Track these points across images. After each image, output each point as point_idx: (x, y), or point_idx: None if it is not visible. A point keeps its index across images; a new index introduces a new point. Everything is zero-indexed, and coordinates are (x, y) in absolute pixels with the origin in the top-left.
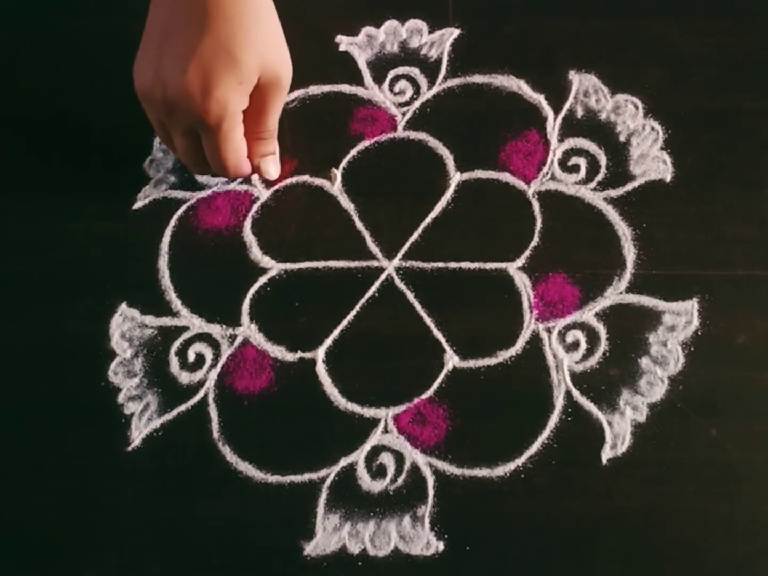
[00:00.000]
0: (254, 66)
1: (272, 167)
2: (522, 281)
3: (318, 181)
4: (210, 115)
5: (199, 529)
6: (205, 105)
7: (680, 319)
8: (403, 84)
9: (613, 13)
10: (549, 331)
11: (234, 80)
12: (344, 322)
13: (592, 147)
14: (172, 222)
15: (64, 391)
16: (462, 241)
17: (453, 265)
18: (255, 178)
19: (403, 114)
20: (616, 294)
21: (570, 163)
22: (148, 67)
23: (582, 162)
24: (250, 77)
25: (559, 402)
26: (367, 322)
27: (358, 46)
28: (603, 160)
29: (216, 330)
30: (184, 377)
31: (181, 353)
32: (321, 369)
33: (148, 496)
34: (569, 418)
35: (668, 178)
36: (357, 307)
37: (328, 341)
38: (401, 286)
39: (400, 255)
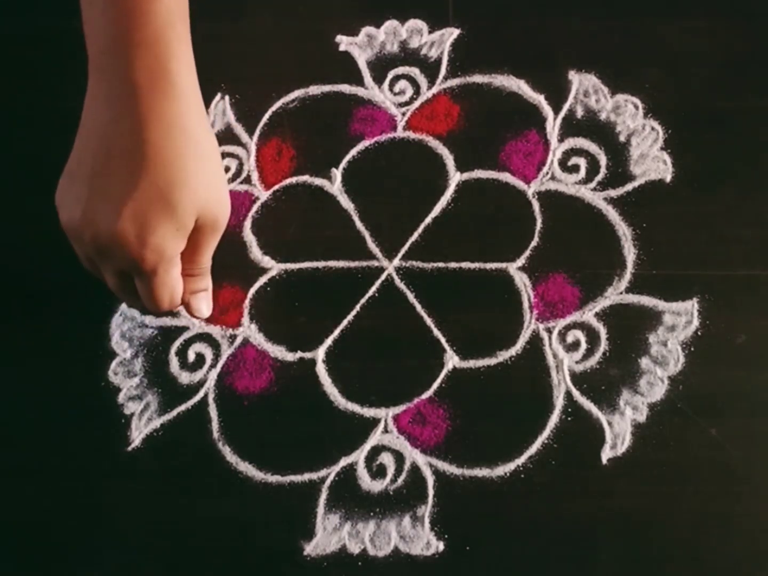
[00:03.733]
0: (192, 211)
1: (203, 305)
2: (522, 281)
3: (318, 181)
4: (145, 262)
5: (199, 529)
6: (141, 252)
7: (680, 319)
8: (403, 84)
9: (613, 13)
10: (549, 331)
11: (171, 227)
12: (344, 322)
13: (592, 147)
14: None
15: (64, 391)
16: (462, 241)
17: (453, 265)
18: (182, 311)
19: (403, 114)
20: (616, 294)
21: (570, 163)
22: (76, 204)
23: (582, 162)
24: (187, 223)
25: (559, 402)
26: (367, 322)
27: (358, 46)
28: (603, 160)
29: (216, 330)
30: (184, 377)
31: (181, 353)
32: (321, 369)
33: (148, 496)
34: (569, 418)
35: (668, 178)
36: (357, 307)
37: (328, 341)
38: (401, 286)
39: (400, 255)
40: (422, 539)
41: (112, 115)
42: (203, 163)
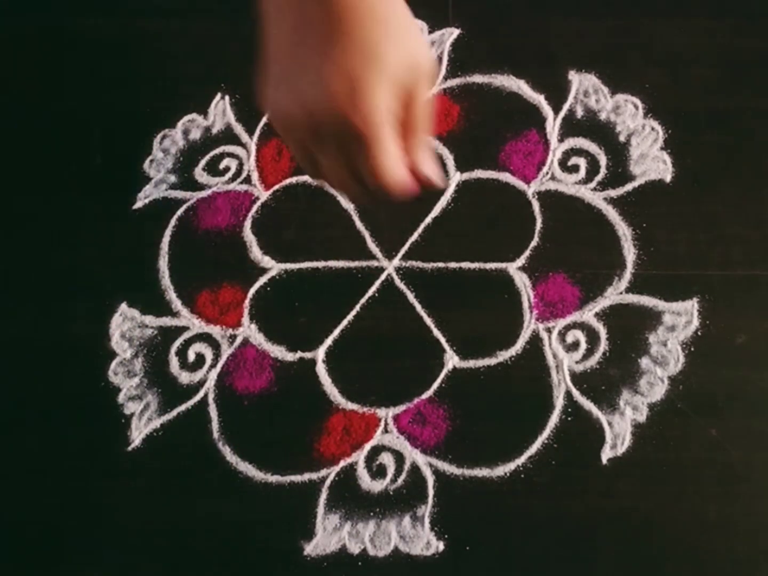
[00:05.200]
0: (401, 62)
1: (430, 166)
2: (522, 281)
3: (318, 181)
4: (363, 123)
5: (199, 529)
6: (356, 113)
7: (680, 319)
8: None
9: (613, 13)
10: (549, 331)
11: (384, 81)
12: (344, 322)
13: (592, 147)
14: (172, 222)
15: (64, 391)
16: (462, 241)
17: (453, 265)
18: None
19: None
20: (616, 294)
21: (570, 163)
22: (281, 88)
23: (582, 162)
24: (398, 75)
25: (559, 402)
26: (367, 322)
27: None
28: (603, 160)
29: (216, 330)
30: (184, 377)
31: (181, 353)
32: (321, 369)
33: (148, 496)
34: (569, 418)
35: (668, 178)
36: (357, 307)
37: (328, 341)
38: (401, 286)
39: (400, 255)
40: (422, 539)
41: None
42: (400, 15)
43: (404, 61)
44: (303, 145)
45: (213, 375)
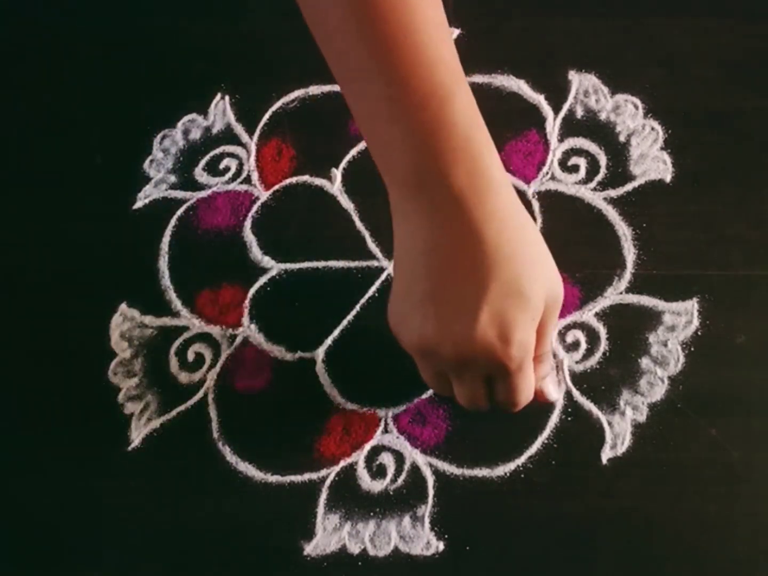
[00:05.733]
0: (542, 296)
1: (552, 388)
2: None
3: (318, 181)
4: (513, 361)
5: (199, 529)
6: (507, 352)
7: (680, 319)
8: None
9: (613, 13)
10: None
11: (528, 318)
12: (344, 322)
13: (592, 147)
14: (172, 222)
15: (64, 391)
16: None
17: None
18: None
19: None
20: (616, 294)
21: (570, 163)
22: (425, 322)
23: (582, 162)
24: (540, 309)
25: (559, 402)
26: (367, 322)
27: None
28: (603, 160)
29: (216, 330)
30: (184, 377)
31: (181, 353)
32: (321, 369)
33: (148, 496)
34: (569, 418)
35: (668, 178)
36: (357, 307)
37: (328, 341)
38: None
39: None
40: (422, 539)
41: (438, 225)
42: (535, 246)
43: (544, 294)
44: (438, 370)
45: (213, 375)
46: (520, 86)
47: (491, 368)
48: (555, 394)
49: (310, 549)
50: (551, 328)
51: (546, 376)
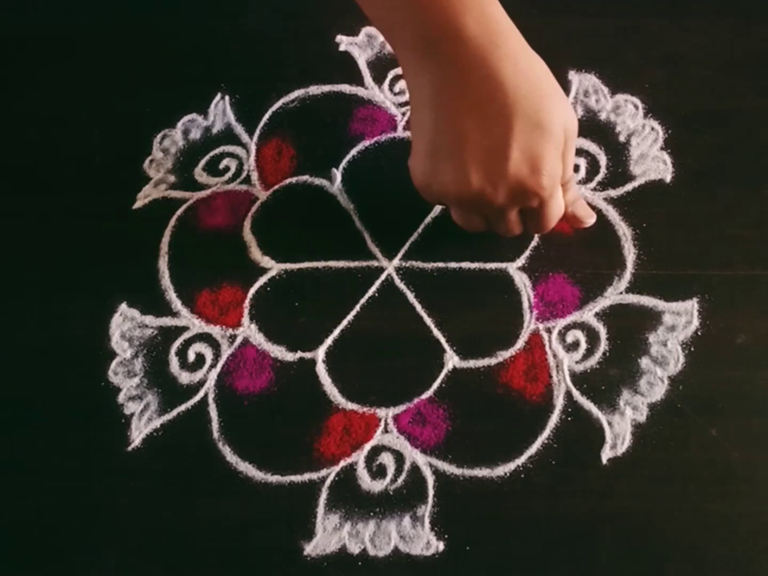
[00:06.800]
0: (561, 127)
1: (585, 211)
2: (522, 281)
3: (318, 181)
4: (545, 190)
5: (199, 529)
6: (539, 183)
7: (680, 319)
8: (403, 84)
9: (613, 13)
10: (549, 331)
11: (553, 148)
12: (344, 322)
13: (592, 147)
14: (172, 222)
15: (64, 391)
16: (462, 241)
17: (453, 265)
18: None
19: (403, 114)
20: (616, 294)
21: None
22: (459, 171)
23: (582, 162)
24: (562, 139)
25: (559, 402)
26: (367, 322)
27: (358, 46)
28: (603, 160)
29: (216, 330)
30: (184, 377)
31: (181, 353)
32: (321, 369)
33: (148, 496)
34: (569, 418)
35: (668, 178)
36: (357, 307)
37: (328, 341)
38: (401, 285)
39: (400, 255)
40: (422, 539)
41: (456, 76)
42: (548, 81)
43: (563, 125)
44: (475, 212)
45: (213, 375)
46: None
47: (526, 200)
48: (589, 217)
49: (310, 549)
50: (571, 156)
51: (576, 201)
